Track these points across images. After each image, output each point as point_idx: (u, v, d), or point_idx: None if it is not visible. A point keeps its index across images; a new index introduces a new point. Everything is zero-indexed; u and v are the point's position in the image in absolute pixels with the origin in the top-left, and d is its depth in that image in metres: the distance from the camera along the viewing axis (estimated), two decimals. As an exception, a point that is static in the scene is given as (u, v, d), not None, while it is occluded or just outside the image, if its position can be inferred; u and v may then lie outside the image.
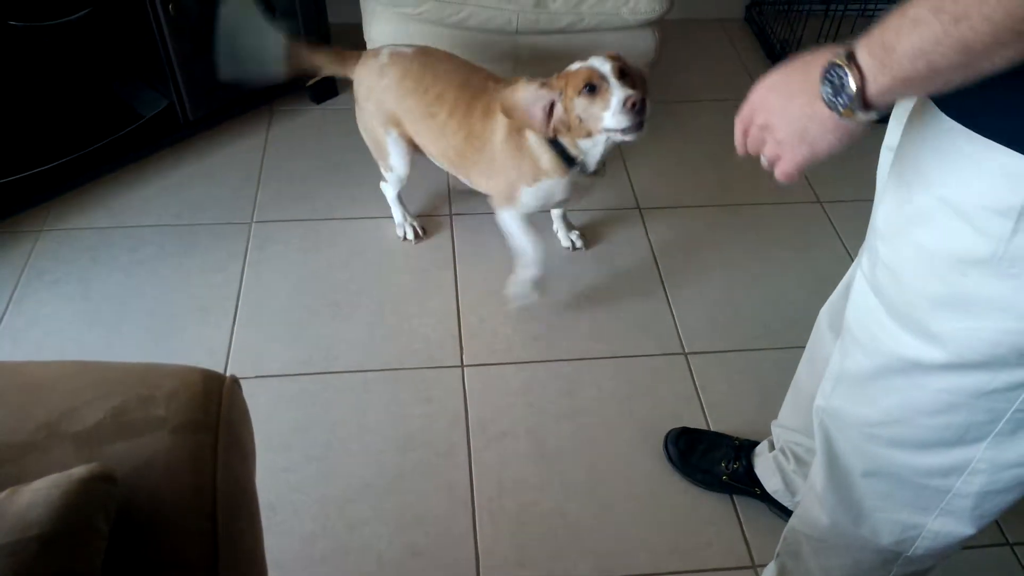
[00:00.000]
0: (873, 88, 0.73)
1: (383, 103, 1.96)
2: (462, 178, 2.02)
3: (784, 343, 2.00)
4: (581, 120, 1.65)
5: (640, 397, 1.87)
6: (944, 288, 0.84)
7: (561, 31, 2.26)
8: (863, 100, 0.75)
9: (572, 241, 2.22)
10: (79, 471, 0.83)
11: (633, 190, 2.41)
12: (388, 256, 2.18)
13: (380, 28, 2.30)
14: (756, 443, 1.68)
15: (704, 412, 1.84)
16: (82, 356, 1.80)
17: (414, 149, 2.03)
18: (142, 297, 2.02)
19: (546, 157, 1.77)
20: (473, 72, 1.92)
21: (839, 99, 0.76)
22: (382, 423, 1.79)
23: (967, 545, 1.59)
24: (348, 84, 2.70)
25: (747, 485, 1.66)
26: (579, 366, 1.94)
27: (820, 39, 2.67)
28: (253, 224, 2.24)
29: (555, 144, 1.75)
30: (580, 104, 1.64)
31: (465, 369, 1.91)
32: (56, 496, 0.80)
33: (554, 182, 1.81)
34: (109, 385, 1.01)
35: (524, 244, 1.92)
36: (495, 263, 2.12)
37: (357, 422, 1.79)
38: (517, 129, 1.79)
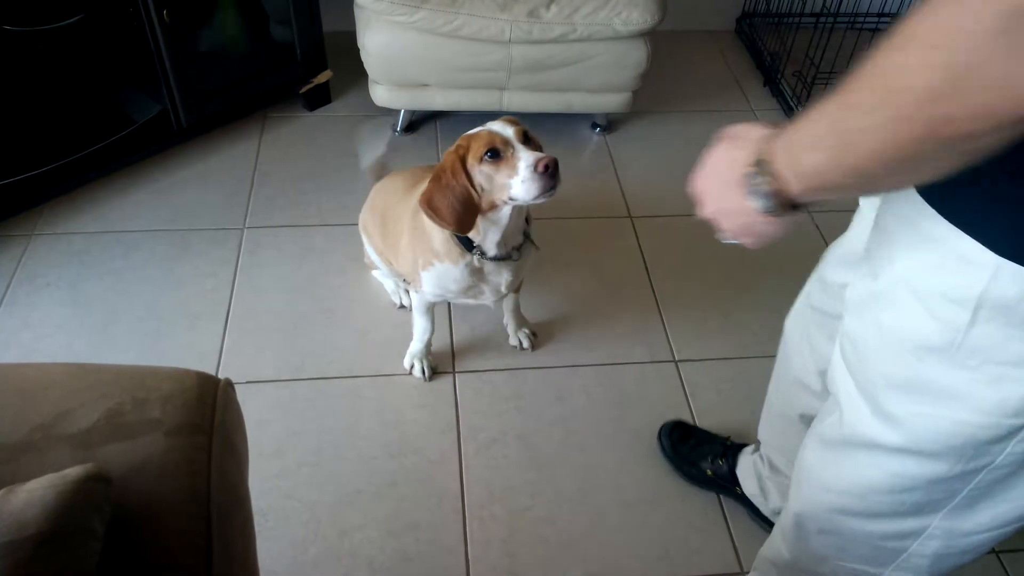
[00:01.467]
0: (793, 193, 0.72)
1: (364, 212, 1.99)
2: (396, 268, 1.92)
3: (773, 351, 2.00)
4: (483, 190, 1.47)
5: (630, 404, 1.88)
6: (902, 371, 0.83)
7: (554, 41, 2.28)
8: (787, 203, 0.74)
9: (520, 340, 1.99)
10: (74, 472, 0.83)
11: (624, 199, 2.43)
12: (380, 263, 2.18)
13: (374, 36, 2.32)
14: (746, 445, 1.70)
15: (694, 419, 1.85)
16: (72, 360, 1.79)
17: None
18: (133, 302, 2.02)
19: (438, 238, 1.60)
20: (420, 173, 1.81)
21: (763, 203, 0.75)
22: (374, 430, 1.80)
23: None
24: (341, 91, 2.73)
25: (729, 483, 1.68)
26: (570, 373, 1.94)
27: (810, 51, 2.70)
28: (245, 230, 2.24)
29: None
30: (482, 172, 1.46)
31: (456, 376, 1.92)
32: (51, 497, 0.81)
33: (447, 268, 1.62)
34: (104, 387, 1.01)
35: (416, 323, 1.86)
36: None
37: (349, 428, 1.79)
38: (417, 209, 1.61)
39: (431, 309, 1.85)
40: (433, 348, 1.95)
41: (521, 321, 2.00)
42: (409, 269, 1.73)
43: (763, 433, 1.57)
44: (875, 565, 1.06)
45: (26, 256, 2.11)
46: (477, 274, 1.63)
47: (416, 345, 1.90)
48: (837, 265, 1.16)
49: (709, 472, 1.70)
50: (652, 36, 2.39)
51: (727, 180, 0.79)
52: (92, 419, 0.96)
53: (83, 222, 2.22)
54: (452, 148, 1.51)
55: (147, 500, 0.91)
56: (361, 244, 2.02)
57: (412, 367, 1.91)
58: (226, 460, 1.00)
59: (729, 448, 1.70)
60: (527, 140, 1.48)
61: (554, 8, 2.25)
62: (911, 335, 0.80)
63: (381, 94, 2.46)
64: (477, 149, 1.46)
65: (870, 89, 0.60)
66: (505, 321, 2.00)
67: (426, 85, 2.43)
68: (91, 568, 0.79)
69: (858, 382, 0.92)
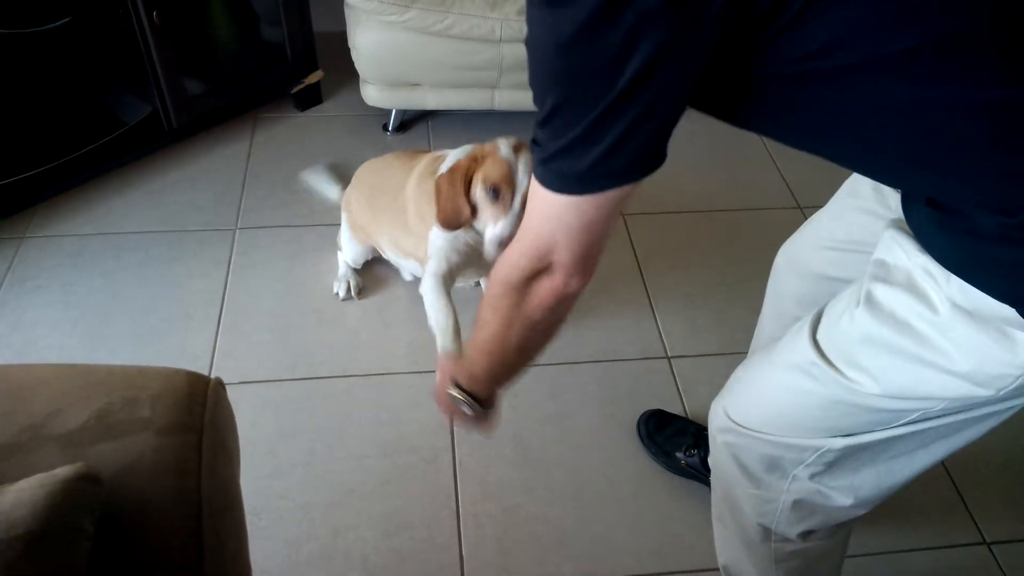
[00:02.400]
0: (480, 394, 1.14)
1: (347, 190, 2.04)
2: (399, 257, 1.95)
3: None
4: (473, 201, 1.58)
5: (623, 401, 1.88)
6: (890, 333, 0.93)
7: (544, 39, 2.28)
8: (479, 401, 1.14)
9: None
10: (64, 471, 0.83)
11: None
12: (372, 261, 2.18)
13: (364, 36, 2.32)
14: None
15: (687, 415, 1.86)
16: (65, 362, 1.79)
17: (365, 241, 2.01)
18: (125, 304, 2.02)
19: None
20: (413, 153, 1.90)
21: (463, 403, 1.14)
22: (367, 429, 1.80)
23: (945, 544, 1.62)
24: (332, 91, 2.73)
25: (701, 473, 1.69)
26: (563, 370, 1.95)
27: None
28: (237, 230, 2.24)
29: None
30: (479, 194, 1.56)
31: (449, 374, 1.92)
32: (41, 496, 0.81)
33: (447, 237, 1.67)
34: (94, 387, 1.01)
35: (432, 311, 1.69)
36: (479, 269, 2.13)
37: (341, 428, 1.79)
38: (429, 173, 1.71)
39: (446, 285, 1.70)
40: (424, 343, 1.95)
41: None
42: (415, 242, 1.75)
43: None
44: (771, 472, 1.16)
45: (17, 259, 2.11)
46: (473, 248, 1.68)
47: (437, 343, 1.68)
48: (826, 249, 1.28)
49: (683, 463, 1.72)
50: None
51: (446, 396, 1.17)
52: (82, 419, 0.96)
53: (75, 224, 2.22)
54: (476, 154, 1.58)
55: (138, 499, 0.91)
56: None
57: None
58: (217, 459, 1.00)
59: (701, 439, 1.71)
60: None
61: (544, 6, 2.25)
62: (910, 303, 0.91)
63: (372, 94, 2.46)
64: (488, 175, 1.54)
65: (486, 348, 1.08)
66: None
67: (417, 84, 2.43)
68: (81, 567, 0.79)
69: (828, 335, 1.02)
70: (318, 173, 2.27)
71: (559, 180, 0.83)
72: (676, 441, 1.74)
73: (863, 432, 1.03)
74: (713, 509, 1.40)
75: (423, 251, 1.74)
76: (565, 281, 0.92)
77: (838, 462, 1.08)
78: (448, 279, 1.71)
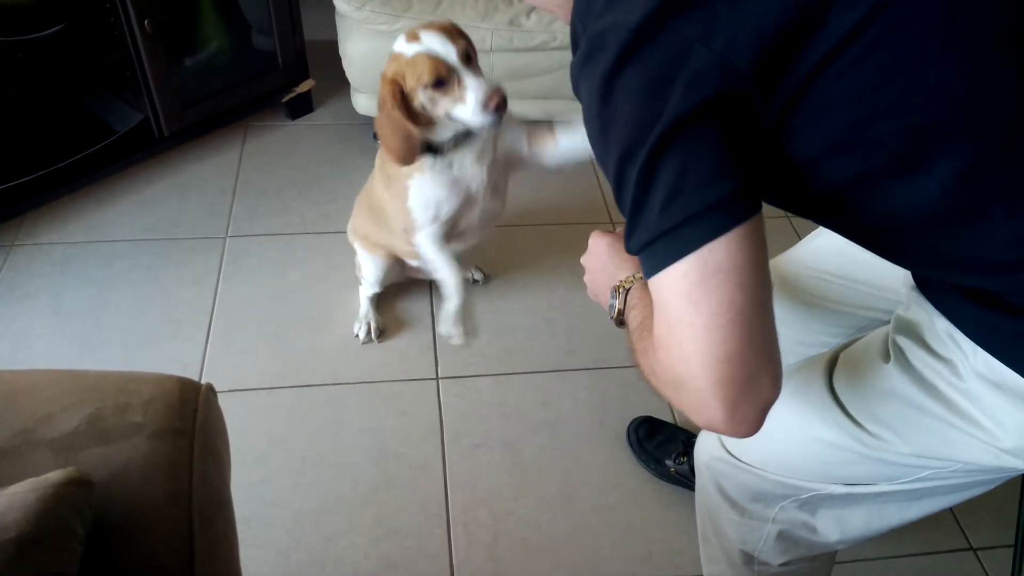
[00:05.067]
0: (625, 318, 0.96)
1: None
2: (392, 242, 1.86)
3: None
4: (424, 109, 1.45)
5: (614, 408, 1.89)
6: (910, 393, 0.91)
7: (535, 49, 2.30)
8: (621, 317, 0.97)
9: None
10: (55, 476, 0.83)
11: (606, 204, 2.45)
12: (363, 270, 2.19)
13: (355, 45, 2.33)
14: None
15: (676, 422, 1.87)
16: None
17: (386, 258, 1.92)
18: (115, 311, 2.01)
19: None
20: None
21: (611, 311, 0.99)
22: (357, 436, 1.80)
23: (932, 550, 1.63)
24: (323, 100, 2.74)
25: (691, 480, 1.69)
26: (553, 377, 1.96)
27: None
28: (228, 238, 2.24)
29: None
30: (425, 95, 1.43)
31: (440, 381, 1.93)
32: (32, 500, 0.81)
33: (422, 180, 1.58)
34: (85, 392, 1.01)
35: (439, 268, 1.67)
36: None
37: (332, 435, 1.80)
38: (382, 158, 1.69)
39: (446, 249, 1.67)
40: (415, 351, 1.96)
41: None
42: (400, 214, 1.67)
43: None
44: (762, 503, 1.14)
45: (6, 267, 2.10)
46: (458, 181, 1.58)
47: (453, 302, 1.66)
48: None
49: (673, 470, 1.73)
50: (632, 44, 2.41)
51: (603, 278, 1.03)
52: (73, 424, 0.96)
53: (64, 232, 2.21)
54: (388, 73, 1.44)
55: (129, 503, 0.91)
56: (348, 253, 2.02)
57: (454, 335, 1.69)
58: (208, 464, 1.00)
59: (690, 446, 1.72)
60: (469, 59, 1.43)
61: (534, 16, 2.27)
62: (937, 367, 0.88)
63: (363, 102, 2.47)
64: (418, 76, 1.40)
65: (640, 360, 0.84)
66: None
67: (408, 93, 2.44)
68: (73, 571, 0.79)
69: (848, 380, 0.98)
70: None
71: (656, 252, 0.71)
72: (666, 448, 1.75)
73: (869, 484, 1.00)
74: (698, 525, 1.40)
75: (408, 218, 1.65)
76: (710, 414, 0.72)
77: (831, 501, 1.07)
78: (441, 231, 1.65)
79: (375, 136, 2.60)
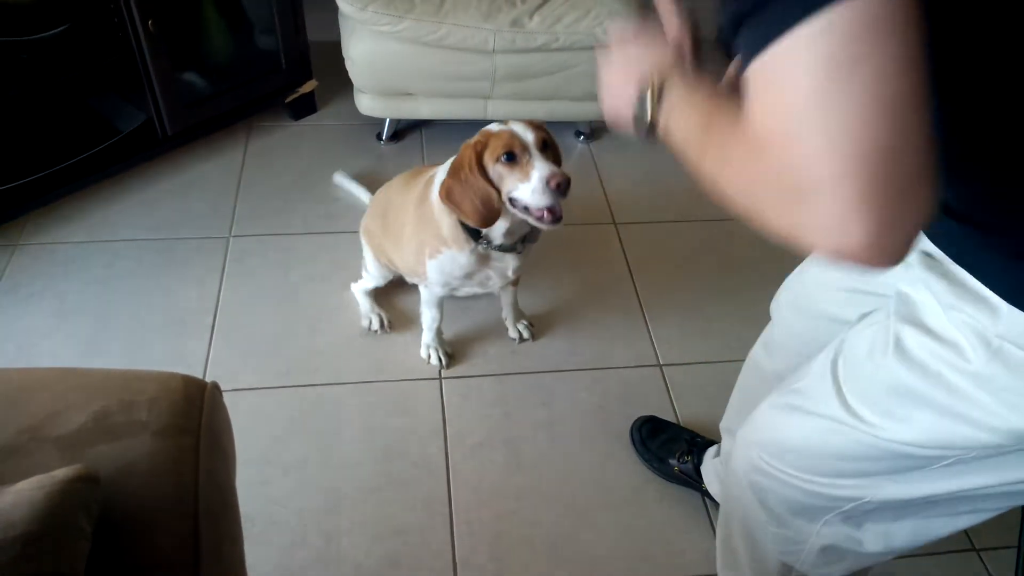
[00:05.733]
0: (661, 128, 0.79)
1: (367, 215, 2.03)
2: (398, 264, 1.91)
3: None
4: (494, 182, 1.51)
5: (615, 408, 1.89)
6: (922, 383, 0.87)
7: (537, 50, 2.30)
8: (654, 130, 0.80)
9: (519, 332, 2.03)
10: (62, 472, 0.84)
11: (609, 205, 2.45)
12: (366, 270, 2.19)
13: (359, 46, 2.33)
14: (714, 443, 1.71)
15: (679, 422, 1.87)
16: (59, 369, 1.79)
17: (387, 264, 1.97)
18: (119, 311, 2.02)
19: (447, 224, 1.61)
20: (423, 169, 1.87)
21: (639, 120, 0.82)
22: (360, 435, 1.80)
23: (934, 551, 1.63)
24: (326, 100, 2.74)
25: (695, 480, 1.70)
26: (555, 378, 1.96)
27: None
28: (231, 238, 2.24)
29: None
30: (496, 171, 1.50)
31: (443, 381, 1.93)
32: (39, 497, 0.81)
33: (453, 255, 1.65)
34: (91, 390, 1.01)
35: (424, 315, 1.91)
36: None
37: (335, 435, 1.80)
38: (423, 197, 1.68)
39: (440, 302, 1.88)
40: (417, 351, 1.97)
41: (519, 314, 2.05)
42: (412, 260, 1.75)
43: (731, 421, 1.58)
44: (806, 518, 1.12)
45: (11, 267, 2.11)
46: (483, 260, 1.67)
47: (428, 335, 1.94)
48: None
49: (676, 469, 1.73)
50: (634, 45, 2.41)
51: (627, 82, 0.84)
52: (80, 421, 0.96)
53: (68, 232, 2.22)
54: (471, 142, 1.53)
55: (135, 500, 0.91)
56: (350, 253, 2.03)
57: (429, 357, 1.96)
58: (213, 461, 1.00)
59: (695, 445, 1.72)
60: (545, 147, 1.51)
61: (537, 18, 2.28)
62: (941, 352, 0.84)
63: (366, 103, 2.48)
64: (495, 148, 1.49)
65: (709, 171, 0.69)
66: (504, 315, 2.03)
67: (411, 94, 2.44)
68: (80, 567, 0.80)
69: (852, 378, 0.97)
70: (347, 177, 2.35)
71: (759, 25, 0.55)
72: (669, 447, 1.75)
73: (901, 472, 0.97)
74: (719, 532, 1.38)
75: (422, 270, 1.75)
76: (846, 229, 0.54)
77: (876, 512, 1.05)
78: (445, 292, 1.81)
79: (379, 136, 2.62)
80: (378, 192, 2.02)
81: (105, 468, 0.90)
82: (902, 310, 0.90)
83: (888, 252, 0.56)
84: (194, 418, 1.01)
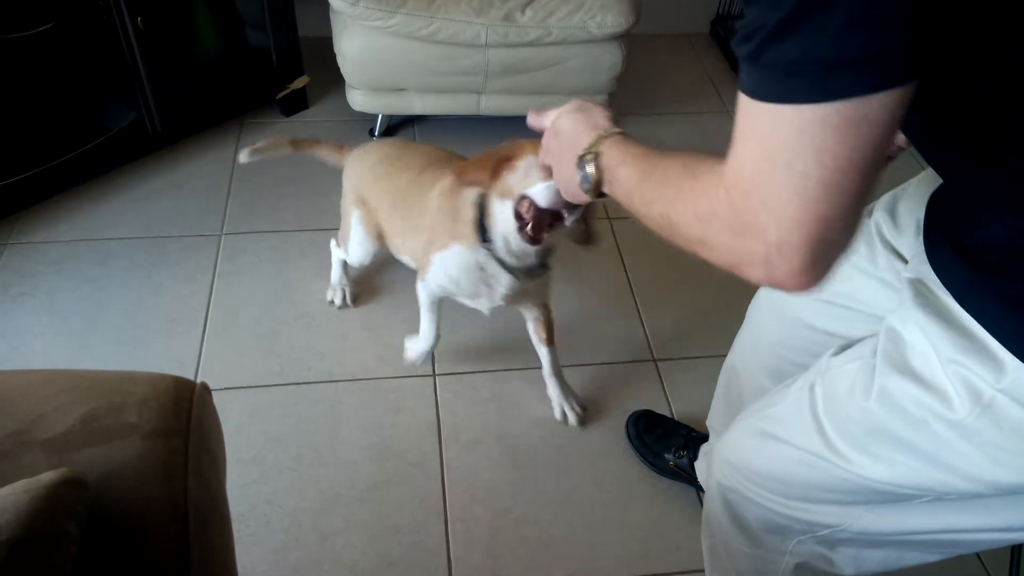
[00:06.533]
0: (605, 189, 0.91)
1: (357, 184, 1.86)
2: (405, 256, 1.85)
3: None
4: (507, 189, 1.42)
5: (610, 403, 1.89)
6: (902, 427, 0.85)
7: (530, 44, 2.29)
8: (598, 192, 0.92)
9: (565, 413, 1.83)
10: (49, 476, 0.83)
11: (604, 201, 2.44)
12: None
13: (350, 41, 2.32)
14: (707, 440, 1.71)
15: (673, 417, 1.86)
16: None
17: (377, 242, 1.87)
18: (110, 310, 2.01)
19: (466, 214, 1.52)
20: (442, 154, 1.80)
21: (583, 183, 0.93)
22: (354, 433, 1.79)
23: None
24: (318, 96, 2.73)
25: (690, 475, 1.69)
26: (550, 374, 1.95)
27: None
28: (223, 236, 2.23)
29: (480, 208, 1.50)
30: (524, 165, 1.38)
31: (437, 378, 1.92)
32: (25, 501, 0.80)
33: (461, 251, 1.56)
34: (79, 392, 1.00)
35: (423, 320, 1.80)
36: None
37: (329, 433, 1.79)
38: (454, 189, 1.58)
39: (437, 305, 1.78)
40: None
41: (567, 389, 1.85)
42: (421, 250, 1.69)
43: (716, 420, 1.58)
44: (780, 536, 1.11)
45: (0, 266, 2.09)
46: (482, 272, 1.58)
47: (422, 345, 1.84)
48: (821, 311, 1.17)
49: (672, 464, 1.72)
50: (627, 39, 2.40)
51: (570, 149, 0.96)
52: (67, 424, 0.95)
53: (59, 231, 2.20)
54: (507, 150, 1.41)
55: (124, 504, 0.90)
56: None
57: (413, 364, 1.90)
58: (203, 463, 0.99)
59: (691, 440, 1.72)
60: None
61: (529, 12, 2.26)
62: (926, 401, 0.82)
63: (358, 99, 2.46)
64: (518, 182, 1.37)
65: (658, 212, 0.79)
66: (548, 390, 1.85)
67: (403, 90, 2.43)
68: (67, 571, 0.78)
69: (833, 414, 0.94)
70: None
71: (778, 80, 0.59)
72: (666, 442, 1.75)
73: (878, 503, 0.95)
74: (704, 540, 1.37)
75: (428, 261, 1.67)
76: (776, 268, 0.65)
77: (850, 540, 1.04)
78: (441, 294, 1.74)
79: (371, 132, 2.61)
80: (373, 160, 1.86)
81: (93, 471, 0.89)
82: (890, 351, 0.86)
83: (809, 283, 0.65)
84: (183, 420, 1.00)
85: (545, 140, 1.03)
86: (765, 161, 0.62)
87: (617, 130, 0.92)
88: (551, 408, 1.86)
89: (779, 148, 0.60)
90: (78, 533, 0.82)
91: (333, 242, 2.03)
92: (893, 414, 0.85)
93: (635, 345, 2.03)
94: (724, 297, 2.15)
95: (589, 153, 0.91)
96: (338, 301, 2.04)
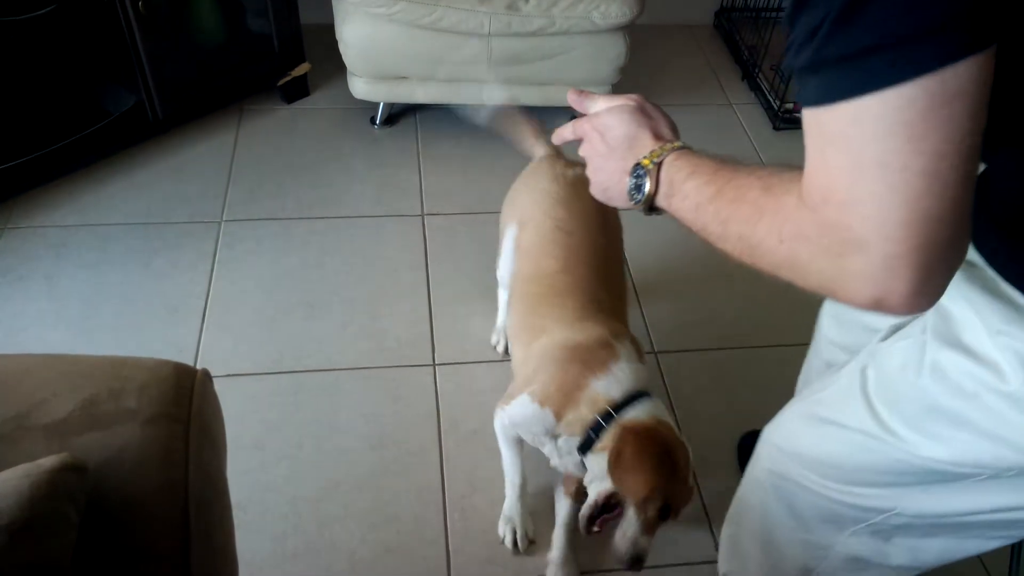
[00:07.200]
0: (659, 203, 0.83)
1: (524, 200, 1.67)
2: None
3: (751, 343, 2.03)
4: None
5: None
6: (957, 403, 0.84)
7: (533, 34, 2.28)
8: (650, 205, 0.84)
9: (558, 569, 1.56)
10: (48, 461, 0.82)
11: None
12: (359, 255, 2.17)
13: (352, 29, 2.30)
14: None
15: (673, 409, 1.86)
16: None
17: None
18: (109, 296, 2.00)
19: (584, 413, 1.34)
20: (610, 234, 1.62)
21: (635, 194, 0.85)
22: (354, 422, 1.79)
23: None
24: (319, 84, 2.71)
25: None
26: (550, 365, 1.95)
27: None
28: (223, 223, 2.22)
29: (595, 431, 1.34)
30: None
31: (437, 368, 1.92)
32: (25, 486, 0.80)
33: (536, 409, 1.39)
34: (79, 378, 1.00)
35: (504, 459, 1.59)
36: (467, 264, 2.13)
37: (328, 421, 1.79)
38: (566, 344, 1.42)
39: (516, 445, 1.56)
40: (412, 337, 1.95)
41: (569, 562, 1.56)
42: (519, 357, 1.52)
43: None
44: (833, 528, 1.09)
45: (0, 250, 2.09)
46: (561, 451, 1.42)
47: (509, 501, 1.59)
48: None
49: None
50: (631, 30, 2.39)
51: (620, 154, 0.88)
52: (67, 409, 0.95)
53: (58, 215, 2.19)
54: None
55: (124, 489, 0.90)
56: (342, 239, 1.99)
57: (504, 536, 1.59)
58: (204, 450, 0.99)
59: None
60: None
61: (533, 1, 2.25)
62: (978, 374, 0.81)
63: (360, 87, 2.45)
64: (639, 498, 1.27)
65: (736, 233, 0.72)
66: (555, 538, 1.60)
67: (405, 78, 2.42)
68: (66, 556, 0.78)
69: (885, 394, 0.93)
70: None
71: (852, 71, 0.55)
72: None
73: (933, 483, 0.93)
74: (725, 530, 1.36)
75: (516, 390, 1.47)
76: (883, 286, 0.59)
77: (906, 527, 1.02)
78: (515, 435, 1.54)
79: (373, 120, 2.60)
80: (547, 190, 1.62)
81: (93, 456, 0.89)
82: (939, 327, 0.85)
83: (922, 303, 0.60)
84: (184, 406, 1.00)
85: (587, 131, 0.93)
86: (854, 168, 0.57)
87: (681, 143, 0.85)
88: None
89: (867, 148, 0.56)
90: (78, 518, 0.82)
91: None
92: (946, 389, 0.83)
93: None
94: (724, 290, 2.15)
95: (649, 163, 0.83)
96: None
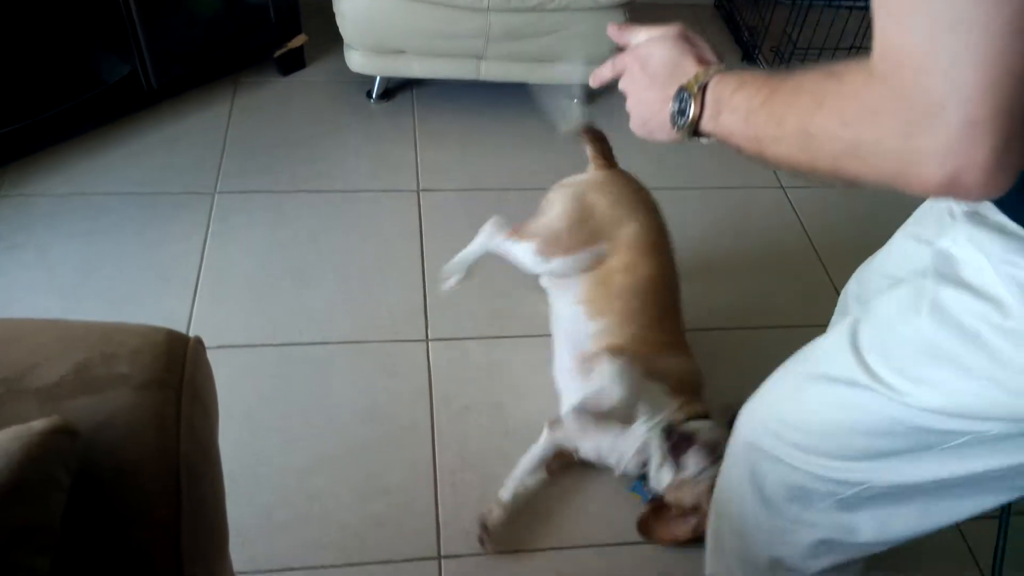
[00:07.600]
0: (705, 126, 0.81)
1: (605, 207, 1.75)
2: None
3: (749, 324, 2.03)
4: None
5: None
6: (955, 342, 0.83)
7: (532, 10, 2.26)
8: (695, 129, 0.82)
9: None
10: (39, 424, 0.82)
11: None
12: (354, 229, 2.16)
13: (350, 3, 2.28)
14: None
15: (665, 390, 1.87)
16: (39, 322, 1.77)
17: None
18: (101, 266, 1.99)
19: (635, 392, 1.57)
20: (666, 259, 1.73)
21: (678, 119, 0.83)
22: (345, 395, 1.79)
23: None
24: (315, 56, 2.69)
25: None
26: (544, 342, 1.94)
27: (787, 27, 2.71)
28: (216, 195, 2.21)
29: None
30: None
31: (430, 343, 1.92)
32: (15, 448, 0.79)
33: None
34: (72, 342, 0.99)
35: (528, 464, 1.64)
36: (462, 240, 2.11)
37: (320, 394, 1.79)
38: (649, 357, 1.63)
39: (548, 459, 1.64)
40: (405, 312, 1.95)
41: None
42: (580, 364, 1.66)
43: None
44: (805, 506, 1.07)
45: (-9, 217, 2.07)
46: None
47: (508, 489, 1.62)
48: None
49: None
50: (631, 7, 2.37)
51: (661, 82, 0.86)
52: (60, 373, 0.94)
53: (51, 184, 2.18)
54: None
55: (116, 455, 0.90)
56: (338, 212, 1.97)
57: (489, 510, 1.59)
58: (196, 417, 0.99)
59: None
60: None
61: (533, -24, 2.23)
62: (980, 309, 0.80)
63: (356, 60, 2.43)
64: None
65: (793, 127, 0.69)
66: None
67: (402, 52, 2.40)
68: (55, 519, 0.78)
69: (877, 342, 0.92)
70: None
71: None
72: None
73: (914, 451, 0.91)
74: (710, 523, 1.35)
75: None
76: (962, 157, 0.57)
77: (877, 498, 1.00)
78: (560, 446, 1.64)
79: (369, 94, 2.58)
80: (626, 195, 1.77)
81: (85, 421, 0.88)
82: (942, 268, 0.84)
83: (999, 180, 0.57)
84: (176, 372, 0.99)
85: (627, 63, 0.92)
86: (931, 27, 0.55)
87: (725, 66, 0.83)
88: (540, 371, 1.82)
89: (945, 5, 0.54)
90: (68, 481, 0.81)
91: (489, 228, 1.81)
92: (945, 328, 0.82)
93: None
94: (722, 272, 2.15)
95: (693, 85, 0.81)
96: (451, 283, 1.85)
